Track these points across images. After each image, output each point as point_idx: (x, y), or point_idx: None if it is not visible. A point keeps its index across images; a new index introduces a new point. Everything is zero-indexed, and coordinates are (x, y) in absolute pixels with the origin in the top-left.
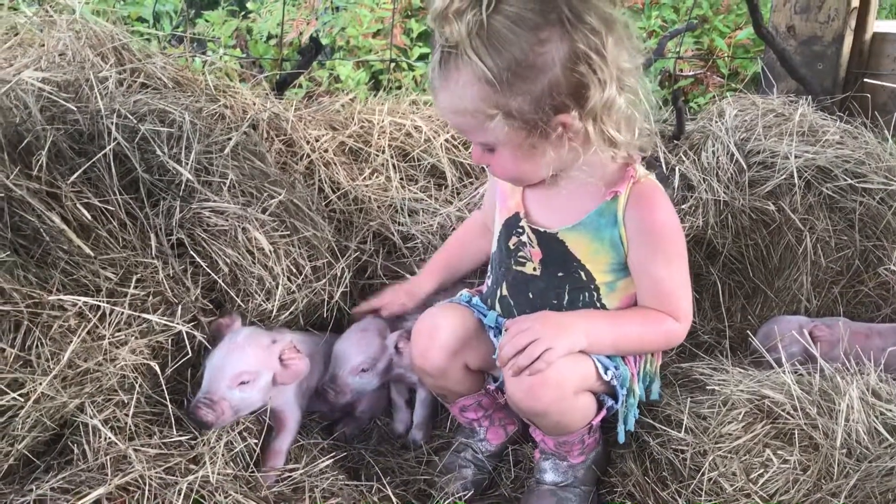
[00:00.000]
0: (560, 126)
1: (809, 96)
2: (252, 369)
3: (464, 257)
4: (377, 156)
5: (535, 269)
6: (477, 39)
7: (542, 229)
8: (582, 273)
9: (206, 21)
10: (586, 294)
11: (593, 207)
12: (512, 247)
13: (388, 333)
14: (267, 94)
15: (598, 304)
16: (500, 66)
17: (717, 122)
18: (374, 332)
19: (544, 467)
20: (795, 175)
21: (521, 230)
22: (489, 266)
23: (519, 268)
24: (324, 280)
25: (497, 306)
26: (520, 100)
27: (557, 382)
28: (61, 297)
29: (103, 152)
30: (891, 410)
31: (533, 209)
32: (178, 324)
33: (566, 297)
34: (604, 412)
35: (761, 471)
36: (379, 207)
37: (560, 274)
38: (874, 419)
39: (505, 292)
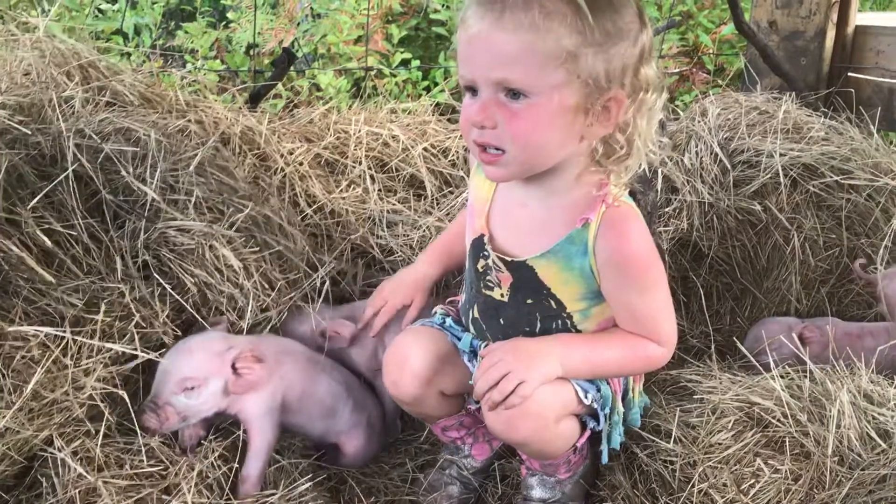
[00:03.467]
0: (614, 103)
1: (793, 92)
2: (198, 375)
3: (462, 247)
4: (354, 167)
5: (502, 295)
6: None
7: (508, 258)
8: (552, 301)
9: (186, 33)
10: (559, 322)
11: (563, 234)
12: (480, 269)
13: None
14: (240, 107)
15: (574, 331)
16: (599, 19)
17: (699, 121)
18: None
19: (531, 483)
20: (781, 173)
21: (486, 254)
22: (464, 278)
23: (487, 292)
24: (300, 292)
25: (471, 327)
26: (598, 60)
27: (537, 413)
28: (22, 327)
29: (63, 175)
30: (882, 414)
31: (498, 234)
32: (142, 352)
33: (538, 325)
34: (588, 433)
35: (752, 481)
36: (357, 220)
37: (529, 301)
38: (866, 424)
39: (476, 315)
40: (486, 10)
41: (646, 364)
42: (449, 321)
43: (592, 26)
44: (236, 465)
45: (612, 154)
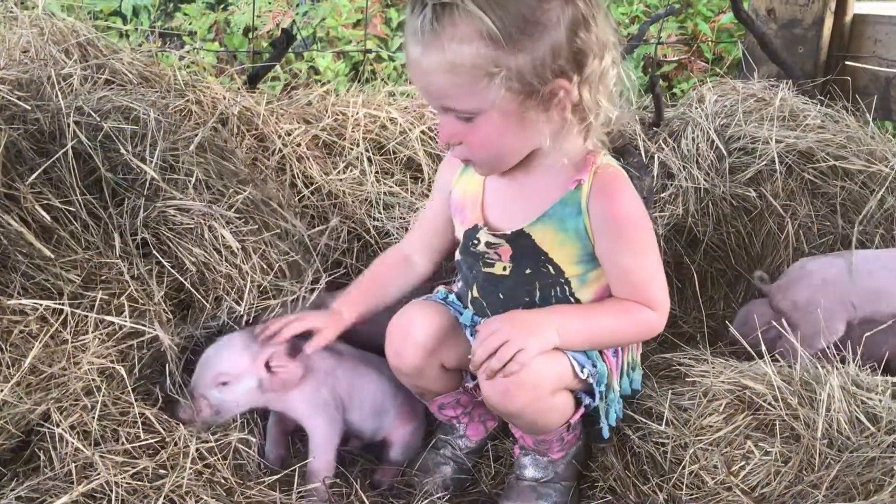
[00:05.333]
0: (561, 91)
1: (790, 80)
2: (231, 371)
3: (380, 296)
4: (352, 149)
5: (504, 268)
6: None
7: (508, 231)
8: (550, 267)
9: (185, 14)
10: (558, 289)
11: (557, 198)
12: (478, 251)
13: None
14: (238, 87)
15: (572, 299)
16: (506, 20)
17: (696, 108)
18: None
19: (524, 463)
20: (776, 160)
21: (477, 240)
22: (456, 269)
23: (488, 269)
24: (306, 280)
25: (470, 307)
26: (521, 59)
27: (533, 383)
28: (22, 301)
29: (62, 151)
30: (871, 399)
31: (495, 216)
32: (147, 327)
33: (538, 294)
34: (582, 410)
35: (742, 463)
36: (353, 202)
37: (528, 271)
38: (855, 408)
39: (476, 294)
40: (412, 42)
41: (640, 330)
42: (451, 297)
43: (503, 31)
44: (236, 434)
45: (585, 120)
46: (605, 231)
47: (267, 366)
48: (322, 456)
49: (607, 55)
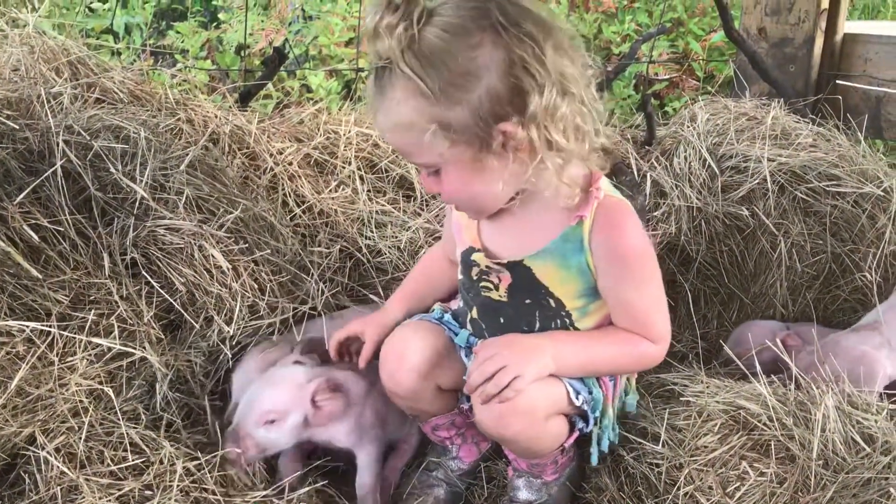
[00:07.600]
0: (501, 135)
1: (782, 99)
2: (279, 409)
3: (428, 291)
4: (343, 168)
5: (501, 295)
6: (409, 53)
7: (505, 260)
8: (551, 300)
9: (177, 33)
10: (558, 321)
11: (557, 233)
12: (475, 276)
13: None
14: (230, 106)
15: (573, 329)
16: (434, 77)
17: (688, 126)
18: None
19: (518, 485)
20: (769, 179)
21: (476, 263)
22: (459, 287)
23: (486, 294)
24: (298, 296)
25: (469, 326)
26: (458, 110)
27: (528, 409)
28: (8, 322)
29: (51, 170)
30: (867, 419)
31: (491, 241)
32: (136, 348)
33: (538, 325)
34: (576, 434)
35: (738, 484)
36: (345, 221)
37: (528, 301)
38: (851, 428)
39: (476, 316)
40: (370, 106)
41: (639, 362)
42: (447, 316)
43: (435, 87)
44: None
45: (562, 150)
46: (607, 266)
47: (312, 400)
48: (371, 473)
49: (552, 89)
